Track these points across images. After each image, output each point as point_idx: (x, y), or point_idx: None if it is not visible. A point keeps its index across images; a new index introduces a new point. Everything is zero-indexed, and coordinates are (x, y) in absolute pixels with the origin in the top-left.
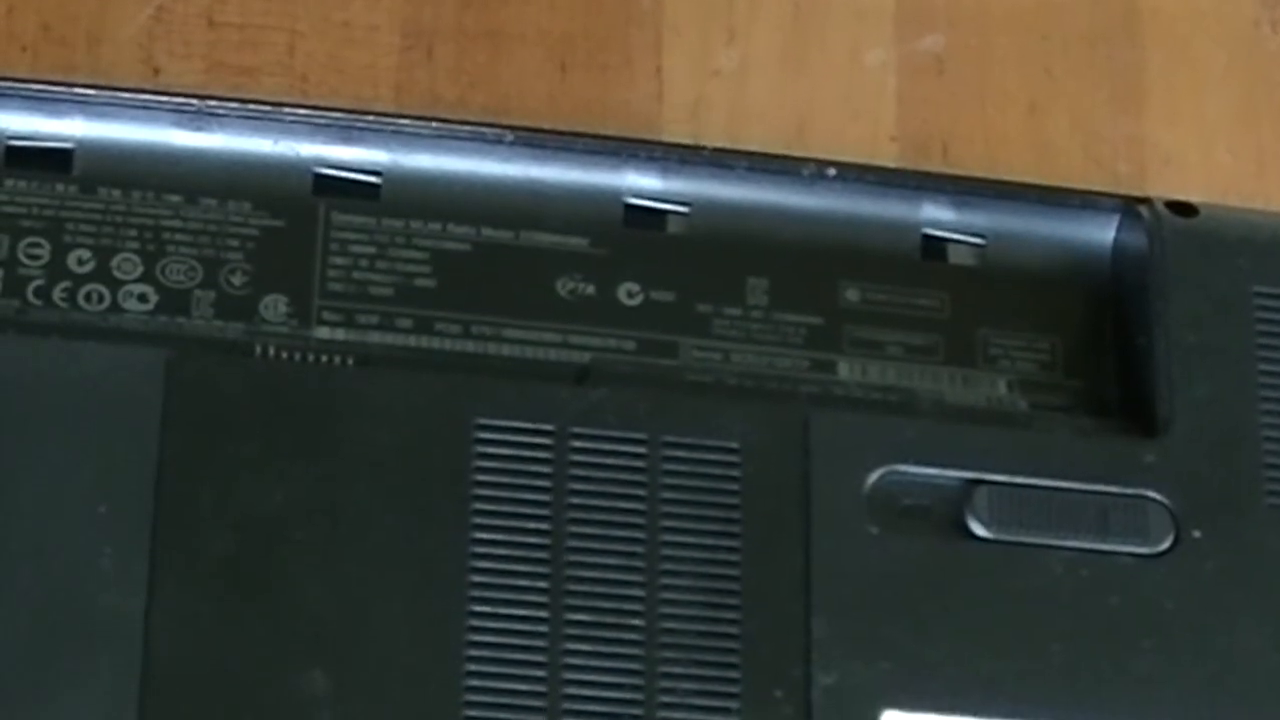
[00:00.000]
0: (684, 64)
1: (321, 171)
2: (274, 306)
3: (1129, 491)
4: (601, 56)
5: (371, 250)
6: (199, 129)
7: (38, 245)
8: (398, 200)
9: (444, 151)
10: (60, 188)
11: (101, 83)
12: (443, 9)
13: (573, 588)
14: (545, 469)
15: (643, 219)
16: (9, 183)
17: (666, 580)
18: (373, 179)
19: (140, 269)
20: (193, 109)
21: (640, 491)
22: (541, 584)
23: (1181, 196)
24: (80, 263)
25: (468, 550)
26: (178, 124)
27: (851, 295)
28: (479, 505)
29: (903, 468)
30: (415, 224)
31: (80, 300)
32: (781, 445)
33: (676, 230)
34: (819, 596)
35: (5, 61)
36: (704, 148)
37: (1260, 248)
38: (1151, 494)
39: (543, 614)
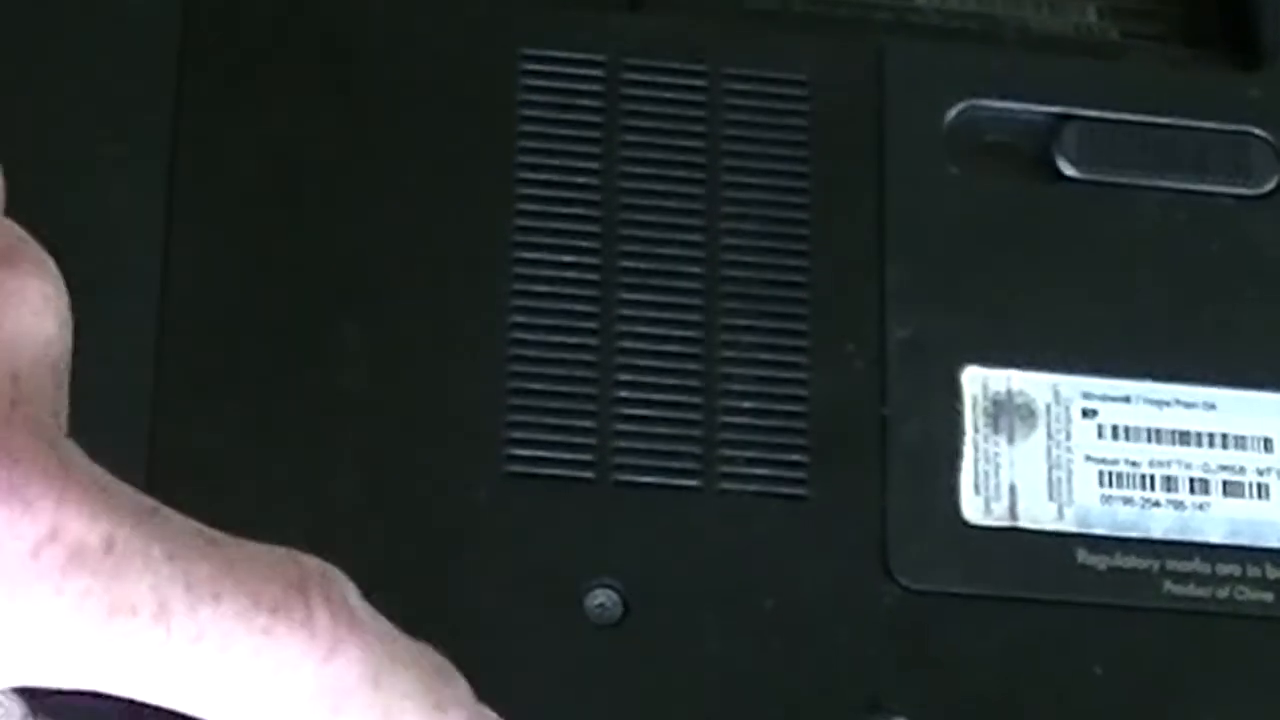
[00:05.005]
0: None
1: None
2: None
3: (1230, 128)
4: None
5: None
6: None
7: None
8: None
9: None
10: None
11: None
12: None
13: (626, 233)
14: (596, 103)
15: None
16: None
17: (728, 225)
18: None
19: None
20: None
21: (699, 129)
22: (592, 228)
23: None
24: None
25: (513, 191)
26: None
27: None
28: (525, 143)
29: (985, 101)
30: None
31: None
32: (854, 78)
33: None
34: (894, 242)
35: None
36: None
37: None
38: (1255, 130)
39: (594, 260)
